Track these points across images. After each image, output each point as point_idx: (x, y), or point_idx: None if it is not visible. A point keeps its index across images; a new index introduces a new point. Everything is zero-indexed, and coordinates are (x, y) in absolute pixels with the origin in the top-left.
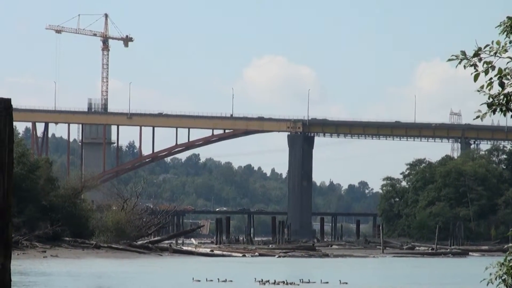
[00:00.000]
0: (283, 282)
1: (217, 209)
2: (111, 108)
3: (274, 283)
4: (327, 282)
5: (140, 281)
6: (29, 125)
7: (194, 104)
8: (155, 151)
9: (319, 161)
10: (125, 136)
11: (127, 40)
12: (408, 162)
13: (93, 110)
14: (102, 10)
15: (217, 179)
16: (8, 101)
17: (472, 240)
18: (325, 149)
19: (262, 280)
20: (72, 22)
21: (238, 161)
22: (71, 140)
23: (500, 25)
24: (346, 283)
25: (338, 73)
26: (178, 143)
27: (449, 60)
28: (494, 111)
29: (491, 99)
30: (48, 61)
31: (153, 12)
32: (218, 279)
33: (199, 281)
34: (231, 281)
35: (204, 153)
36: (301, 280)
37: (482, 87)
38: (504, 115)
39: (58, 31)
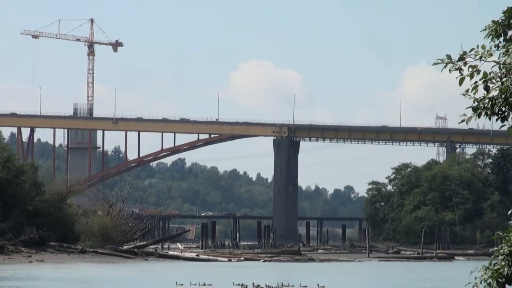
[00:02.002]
0: (262, 286)
1: (203, 214)
2: (97, 113)
3: (253, 286)
4: (305, 286)
5: (125, 285)
6: (15, 130)
7: (179, 108)
8: (140, 155)
9: (304, 165)
10: (110, 141)
11: (116, 45)
12: (394, 166)
13: (78, 115)
14: (87, 16)
15: (203, 183)
16: None
17: (458, 244)
18: (310, 154)
19: (241, 284)
20: (52, 27)
21: (223, 165)
22: (56, 145)
23: (485, 29)
24: (323, 286)
25: (324, 78)
26: (164, 147)
27: (435, 64)
28: (479, 115)
29: (476, 103)
30: (33, 67)
31: (139, 17)
32: (199, 282)
33: (182, 285)
34: (210, 285)
35: (190, 157)
36: (281, 284)
37: (467, 91)
38: (489, 119)
39: (35, 36)
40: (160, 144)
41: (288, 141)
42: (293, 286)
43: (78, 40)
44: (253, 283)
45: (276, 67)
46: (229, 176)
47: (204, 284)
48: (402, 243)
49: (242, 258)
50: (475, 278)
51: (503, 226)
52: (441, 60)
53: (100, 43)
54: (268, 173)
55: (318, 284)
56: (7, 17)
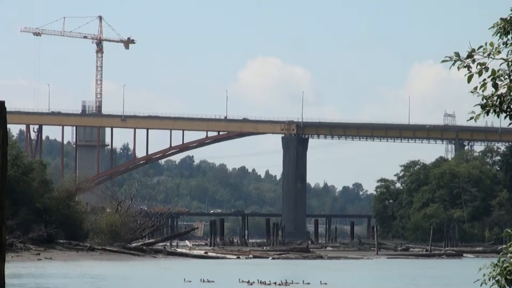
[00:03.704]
0: (267, 282)
1: (211, 211)
2: (105, 110)
3: (258, 282)
4: (308, 283)
5: (133, 283)
6: (23, 127)
7: (188, 106)
8: (149, 153)
9: (313, 162)
10: (119, 138)
11: (128, 42)
12: (402, 164)
13: (87, 112)
14: (94, 14)
15: (211, 181)
16: (1, 104)
17: (466, 241)
18: (319, 151)
19: (247, 281)
20: (56, 25)
21: (232, 163)
22: (65, 142)
23: (493, 27)
24: (326, 283)
25: (332, 75)
26: (172, 145)
27: (443, 61)
28: (487, 112)
29: (484, 100)
30: (36, 64)
31: (147, 15)
32: (202, 279)
33: (190, 281)
34: (213, 281)
35: (198, 155)
36: (285, 281)
37: (475, 88)
38: (498, 116)
39: (37, 34)
40: (168, 142)
41: (297, 138)
42: (297, 283)
43: (85, 37)
44: (258, 280)
45: (284, 64)
46: (237, 173)
47: (208, 281)
48: (411, 240)
49: (250, 255)
50: (484, 275)
51: None
52: (449, 57)
53: (110, 41)
54: (277, 171)
55: (320, 281)
56: (9, 15)
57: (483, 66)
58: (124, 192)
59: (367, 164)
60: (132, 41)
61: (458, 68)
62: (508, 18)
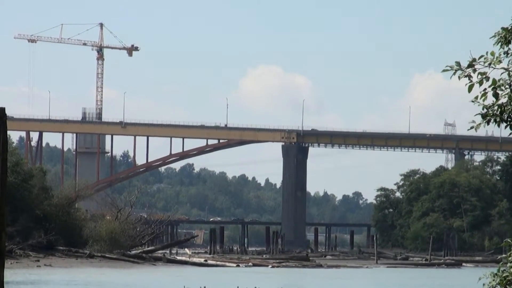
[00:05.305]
0: None
1: (211, 219)
2: (106, 117)
3: None
4: None
5: None
6: (23, 134)
7: (188, 113)
8: (149, 160)
9: (313, 171)
10: (119, 145)
11: (131, 50)
12: (402, 173)
13: (87, 119)
14: (95, 21)
15: (211, 189)
16: (2, 110)
17: (466, 250)
18: (319, 159)
19: None
20: (53, 31)
21: (232, 171)
22: (65, 149)
23: (494, 36)
24: None
25: (333, 83)
26: (172, 152)
27: (444, 70)
28: (488, 122)
29: (485, 110)
30: (29, 71)
31: (148, 22)
32: (202, 287)
33: None
34: None
35: (199, 162)
36: None
37: (476, 97)
38: (498, 125)
39: (32, 41)
40: (168, 149)
41: (297, 146)
42: None
43: (85, 44)
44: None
45: (285, 73)
46: (237, 181)
47: None
48: (411, 249)
49: (250, 263)
50: (483, 284)
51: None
52: (450, 67)
53: (112, 48)
54: (277, 179)
55: None
56: (6, 21)
57: (484, 76)
58: (124, 199)
59: (367, 173)
60: (136, 48)
61: (459, 77)
62: (509, 28)
